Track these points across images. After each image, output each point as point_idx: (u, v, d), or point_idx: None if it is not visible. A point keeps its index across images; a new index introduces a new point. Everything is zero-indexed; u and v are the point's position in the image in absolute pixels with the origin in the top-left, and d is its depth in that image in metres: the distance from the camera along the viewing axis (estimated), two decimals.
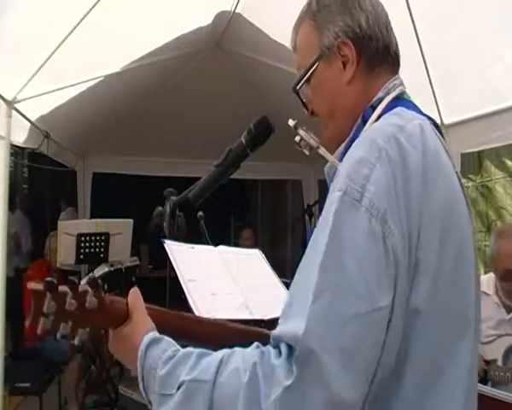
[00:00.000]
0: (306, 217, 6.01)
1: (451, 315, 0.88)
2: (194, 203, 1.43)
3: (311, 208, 5.91)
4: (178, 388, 0.84)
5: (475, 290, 0.95)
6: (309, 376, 0.75)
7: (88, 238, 4.15)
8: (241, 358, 0.82)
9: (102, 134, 5.26)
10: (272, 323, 1.40)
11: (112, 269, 4.40)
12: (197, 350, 0.89)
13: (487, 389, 1.70)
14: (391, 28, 1.08)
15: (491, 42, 2.84)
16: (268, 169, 6.25)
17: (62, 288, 0.91)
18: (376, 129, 0.92)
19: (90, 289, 0.92)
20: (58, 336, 0.91)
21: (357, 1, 1.06)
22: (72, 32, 3.06)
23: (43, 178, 8.27)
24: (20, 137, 3.76)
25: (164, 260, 1.43)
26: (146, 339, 0.94)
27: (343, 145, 1.02)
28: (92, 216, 5.79)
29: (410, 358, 0.84)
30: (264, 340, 0.87)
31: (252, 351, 0.83)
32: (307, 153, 1.13)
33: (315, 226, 0.87)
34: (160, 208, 1.59)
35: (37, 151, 4.29)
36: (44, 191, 8.38)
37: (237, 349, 0.85)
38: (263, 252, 1.68)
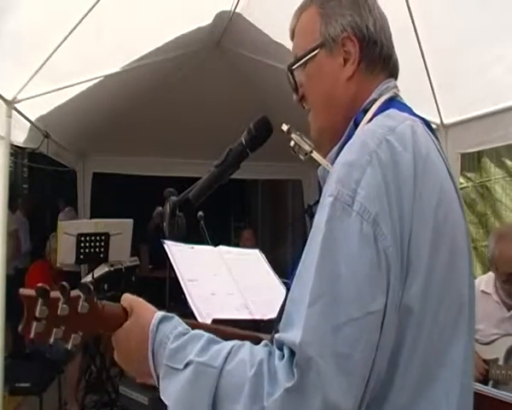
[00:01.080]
0: (306, 217, 6.02)
1: (444, 316, 0.88)
2: (194, 203, 1.43)
3: (312, 208, 5.91)
4: (186, 365, 0.87)
5: (469, 292, 0.95)
6: (308, 380, 0.77)
7: (88, 238, 4.15)
8: (249, 352, 0.85)
9: (102, 134, 5.26)
10: (272, 323, 1.40)
11: (112, 269, 4.41)
12: (207, 334, 0.92)
13: (488, 390, 1.70)
14: (392, 39, 1.08)
15: (491, 42, 2.84)
16: (268, 169, 6.25)
17: (54, 293, 0.91)
18: (367, 131, 0.92)
19: (81, 294, 0.93)
20: (51, 340, 0.92)
21: (368, 4, 1.06)
22: (72, 32, 3.06)
23: (43, 178, 8.28)
24: (20, 137, 3.76)
25: (164, 260, 1.44)
26: (158, 315, 0.96)
27: (335, 148, 1.02)
28: (92, 216, 5.79)
29: (404, 359, 0.84)
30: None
31: (260, 348, 0.85)
32: (302, 158, 1.12)
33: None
34: (160, 208, 1.58)
35: (37, 151, 4.29)
36: (44, 191, 8.40)
37: (247, 343, 0.87)
38: (263, 252, 1.68)
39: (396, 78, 1.09)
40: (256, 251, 1.69)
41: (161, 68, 4.33)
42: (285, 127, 1.12)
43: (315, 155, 1.08)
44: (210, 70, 4.58)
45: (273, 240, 9.05)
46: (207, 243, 1.70)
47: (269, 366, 0.81)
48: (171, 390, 0.89)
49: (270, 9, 3.60)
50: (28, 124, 3.86)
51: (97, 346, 4.69)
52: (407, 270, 0.84)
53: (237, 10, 3.86)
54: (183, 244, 1.49)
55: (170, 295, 1.52)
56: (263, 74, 4.49)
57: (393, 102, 1.02)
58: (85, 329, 0.96)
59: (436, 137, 1.02)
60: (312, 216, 6.49)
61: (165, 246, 1.43)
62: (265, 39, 3.90)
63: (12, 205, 4.87)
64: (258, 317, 1.37)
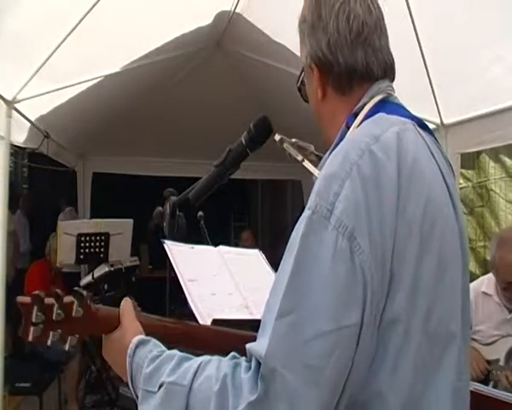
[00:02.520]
0: None
1: (434, 325, 0.87)
2: (194, 203, 1.43)
3: None
4: (159, 387, 0.89)
5: (462, 298, 0.94)
6: (272, 393, 0.77)
7: (88, 238, 4.15)
8: (216, 367, 0.85)
9: (102, 134, 5.26)
10: None
11: (112, 269, 4.41)
12: (179, 353, 0.94)
13: (488, 390, 1.69)
14: (362, 40, 1.01)
15: (491, 42, 2.84)
16: (268, 169, 6.25)
17: (49, 300, 0.96)
18: (351, 141, 0.90)
19: (75, 300, 0.98)
20: (49, 342, 0.97)
21: (323, 22, 1.02)
22: (71, 32, 3.06)
23: (43, 178, 8.28)
24: (20, 137, 3.75)
25: (164, 260, 1.43)
26: (135, 340, 1.00)
27: (327, 154, 1.01)
28: (92, 216, 5.79)
29: (389, 368, 0.84)
30: None
31: (226, 362, 0.86)
32: (299, 161, 1.14)
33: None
34: (160, 208, 1.59)
35: (37, 151, 4.29)
36: (44, 191, 8.39)
37: (215, 358, 0.88)
38: (263, 252, 1.68)
39: (391, 76, 1.06)
40: (256, 251, 1.69)
41: (161, 68, 4.33)
42: (277, 137, 1.13)
43: (306, 163, 1.09)
44: (210, 70, 4.58)
45: (273, 240, 9.05)
46: (207, 243, 1.70)
47: (233, 380, 0.81)
48: None
49: (270, 9, 3.60)
50: (28, 124, 3.86)
51: (97, 346, 4.70)
52: (390, 282, 0.83)
53: (237, 10, 3.86)
54: (183, 244, 1.49)
55: (170, 296, 1.52)
56: (263, 74, 4.49)
57: (385, 103, 1.00)
58: (81, 331, 1.01)
59: (434, 138, 1.01)
60: None
61: (165, 246, 1.43)
62: (265, 39, 3.90)
63: (12, 205, 4.86)
64: (258, 317, 1.36)
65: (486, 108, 3.14)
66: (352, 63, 1.01)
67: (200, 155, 5.05)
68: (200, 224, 2.14)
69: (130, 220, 4.52)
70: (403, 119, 0.95)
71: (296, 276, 0.81)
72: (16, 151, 5.87)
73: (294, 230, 0.86)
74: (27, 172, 9.53)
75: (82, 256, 4.13)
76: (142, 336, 1.01)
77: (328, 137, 1.07)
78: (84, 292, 1.00)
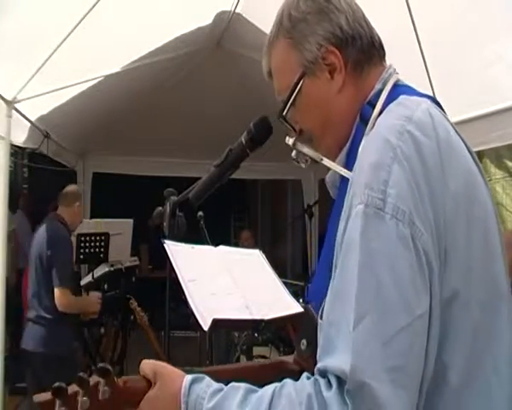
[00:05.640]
0: (306, 217, 6.01)
1: (486, 294, 0.87)
2: (194, 203, 1.43)
3: (311, 208, 5.91)
4: None
5: (503, 271, 0.93)
6: (364, 406, 0.74)
7: (88, 238, 4.15)
8: (294, 389, 0.81)
9: (102, 134, 5.26)
10: (272, 323, 1.40)
11: (112, 269, 4.41)
12: (244, 385, 0.87)
13: None
14: (367, 19, 1.04)
15: (491, 42, 2.84)
16: (268, 169, 6.25)
17: (72, 388, 0.87)
18: (385, 125, 0.88)
19: (101, 379, 0.88)
20: None
21: (333, 3, 1.01)
22: (72, 32, 3.06)
23: (43, 178, 8.27)
24: (20, 137, 3.76)
25: (164, 260, 1.43)
26: (188, 378, 0.91)
27: (344, 151, 1.00)
28: (92, 216, 5.79)
29: (451, 344, 0.83)
30: (286, 373, 0.87)
31: (303, 381, 0.82)
32: (304, 166, 1.10)
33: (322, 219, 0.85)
34: (160, 208, 1.59)
35: (37, 151, 4.29)
36: (44, 191, 8.39)
37: (288, 381, 0.83)
38: (263, 252, 1.68)
39: (384, 52, 1.05)
40: (256, 251, 1.69)
41: (161, 68, 4.33)
42: (290, 141, 1.08)
43: (325, 161, 1.04)
44: (210, 70, 4.58)
45: (273, 240, 9.06)
46: (207, 243, 1.70)
47: (318, 400, 0.77)
48: None
49: (270, 9, 3.59)
50: (28, 124, 3.86)
51: (97, 346, 4.69)
52: (445, 261, 0.82)
53: (237, 10, 3.86)
54: (183, 244, 1.49)
55: (170, 296, 1.52)
56: (263, 74, 4.49)
57: (398, 87, 1.00)
58: None
59: (445, 113, 0.99)
60: (312, 216, 6.48)
61: (166, 246, 1.43)
62: (265, 39, 3.89)
63: (12, 205, 4.86)
64: (258, 317, 1.37)
65: (487, 108, 3.14)
66: (371, 35, 1.02)
67: (200, 155, 5.05)
68: (200, 224, 2.14)
69: (130, 220, 4.53)
70: (422, 98, 0.95)
71: (364, 277, 0.78)
72: (16, 151, 5.86)
73: (349, 228, 0.82)
74: (27, 172, 9.52)
75: (82, 256, 4.14)
76: (195, 374, 0.92)
77: (337, 140, 1.02)
78: (109, 367, 0.89)
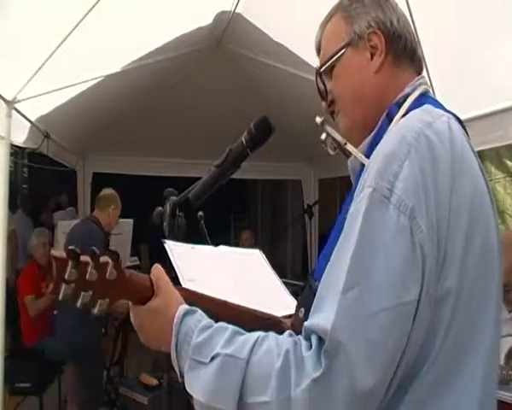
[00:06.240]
0: (306, 217, 6.02)
1: (476, 301, 0.90)
2: (194, 203, 1.43)
3: (311, 208, 5.91)
4: (212, 358, 0.88)
5: (498, 283, 0.96)
6: (336, 367, 0.79)
7: None
8: (275, 343, 0.86)
9: (102, 134, 5.26)
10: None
11: None
12: (232, 326, 0.92)
13: None
14: (417, 39, 1.13)
15: (491, 42, 2.84)
16: (268, 169, 6.25)
17: (84, 257, 0.90)
18: (405, 125, 0.93)
19: (110, 260, 0.93)
20: (78, 303, 0.92)
21: (390, 3, 1.11)
22: (72, 31, 3.06)
23: (43, 178, 8.29)
24: (20, 137, 3.76)
25: (164, 260, 1.43)
26: (182, 308, 0.97)
27: (368, 140, 1.04)
28: None
29: (439, 342, 0.86)
30: (277, 328, 0.92)
31: (285, 338, 0.87)
32: (332, 152, 1.15)
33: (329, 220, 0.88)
34: (160, 208, 1.58)
35: (37, 151, 4.29)
36: (44, 191, 8.40)
37: (271, 333, 0.89)
38: (263, 252, 1.68)
39: (422, 69, 1.12)
40: (256, 251, 1.68)
41: (162, 68, 4.33)
42: (319, 119, 1.14)
43: (349, 146, 1.09)
44: (210, 70, 4.58)
45: (273, 240, 9.06)
46: (207, 243, 1.70)
47: (295, 357, 0.82)
48: (197, 384, 0.89)
49: (270, 9, 3.60)
50: (28, 124, 3.86)
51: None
52: (443, 261, 0.86)
53: (237, 10, 3.86)
54: (183, 244, 1.49)
55: None
56: (263, 74, 4.50)
57: (426, 97, 1.05)
58: (112, 296, 0.95)
59: (467, 133, 1.03)
60: (312, 216, 6.47)
61: (166, 246, 1.43)
62: (265, 39, 3.90)
63: (12, 205, 4.87)
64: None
65: (487, 108, 3.14)
66: (415, 45, 1.11)
67: (200, 155, 5.06)
68: (200, 224, 2.14)
69: (130, 220, 4.53)
70: (446, 112, 0.99)
71: (359, 251, 0.83)
72: (16, 151, 5.87)
73: (353, 206, 0.88)
74: (27, 172, 9.53)
75: None
76: (188, 306, 0.98)
77: (363, 117, 1.08)
78: (119, 253, 0.94)
